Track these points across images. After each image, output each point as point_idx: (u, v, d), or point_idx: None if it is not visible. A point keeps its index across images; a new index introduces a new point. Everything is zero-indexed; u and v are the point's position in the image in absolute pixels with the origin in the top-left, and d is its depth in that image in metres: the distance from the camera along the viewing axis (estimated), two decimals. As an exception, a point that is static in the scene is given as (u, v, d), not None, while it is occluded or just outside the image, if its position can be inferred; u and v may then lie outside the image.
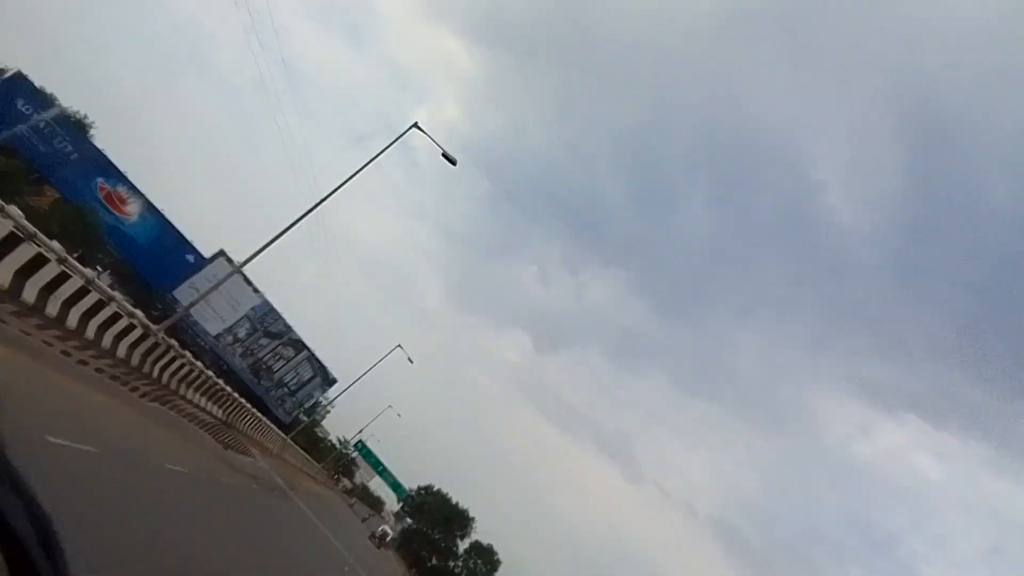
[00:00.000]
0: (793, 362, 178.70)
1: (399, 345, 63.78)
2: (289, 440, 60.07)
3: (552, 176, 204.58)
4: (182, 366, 24.30)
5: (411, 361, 64.86)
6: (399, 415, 65.39)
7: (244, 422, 41.90)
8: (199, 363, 27.42)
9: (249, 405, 44.63)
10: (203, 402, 30.73)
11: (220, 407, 33.75)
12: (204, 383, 28.79)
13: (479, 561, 65.26)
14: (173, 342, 22.10)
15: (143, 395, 19.17)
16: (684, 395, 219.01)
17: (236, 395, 37.11)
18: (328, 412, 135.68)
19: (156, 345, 20.27)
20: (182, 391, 25.53)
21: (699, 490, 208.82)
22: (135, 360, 19.35)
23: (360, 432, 72.26)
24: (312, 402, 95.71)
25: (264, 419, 52.44)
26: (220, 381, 31.53)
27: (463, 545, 67.28)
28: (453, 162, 22.80)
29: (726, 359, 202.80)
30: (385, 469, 79.39)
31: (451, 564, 66.84)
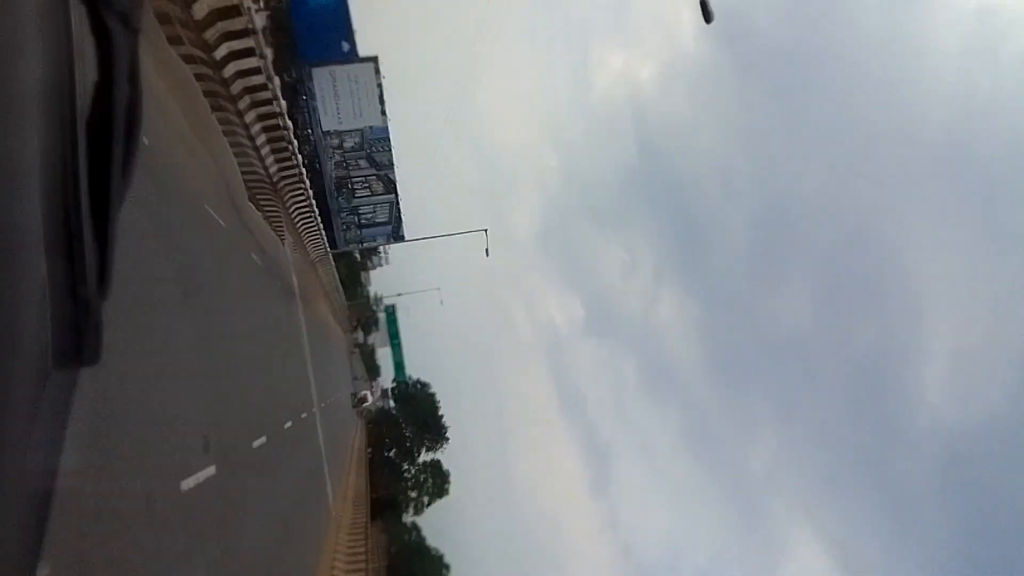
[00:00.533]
0: (798, 489, 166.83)
1: (486, 229, 57.51)
2: (331, 255, 55.78)
3: (696, 188, 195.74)
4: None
5: (487, 254, 58.80)
6: (441, 302, 60.41)
7: (294, 203, 37.47)
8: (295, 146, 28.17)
9: (312, 199, 40.41)
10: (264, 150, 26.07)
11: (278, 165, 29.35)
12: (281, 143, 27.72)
13: (431, 479, 60.77)
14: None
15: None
16: (685, 449, 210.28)
17: (304, 179, 34.08)
18: (381, 264, 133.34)
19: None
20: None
21: (644, 539, 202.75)
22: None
23: (398, 296, 67.89)
24: (373, 244, 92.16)
25: (319, 222, 47.77)
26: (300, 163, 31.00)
27: (424, 457, 62.80)
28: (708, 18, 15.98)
29: (742, 444, 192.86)
30: (399, 344, 75.28)
31: (405, 465, 62.60)
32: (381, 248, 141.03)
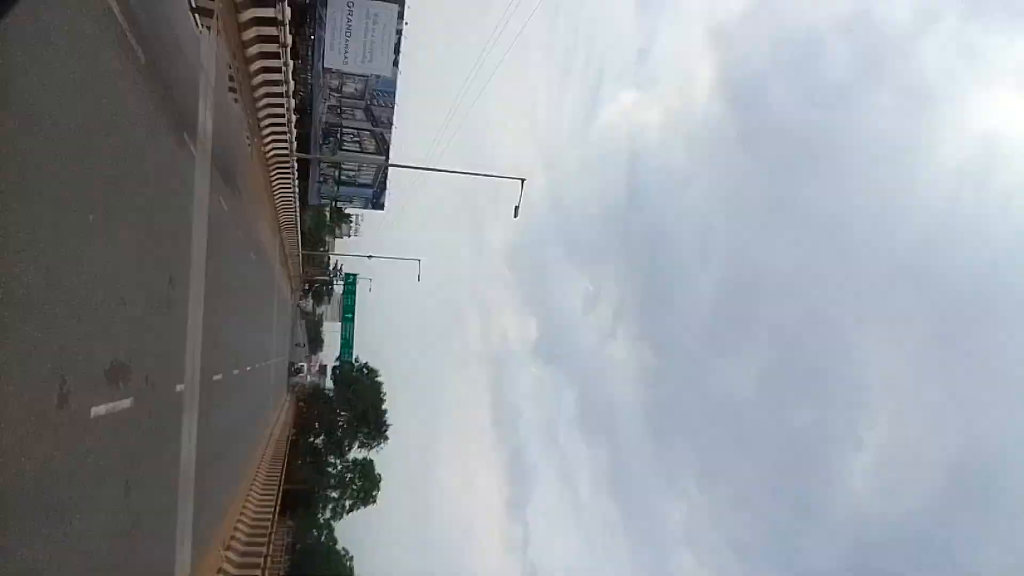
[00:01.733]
0: (711, 548, 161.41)
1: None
2: (298, 203, 47.26)
3: (673, 239, 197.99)
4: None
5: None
6: (419, 279, 51.91)
7: (273, 135, 30.61)
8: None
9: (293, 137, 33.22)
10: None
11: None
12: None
13: (358, 481, 52.06)
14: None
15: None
16: (607, 487, 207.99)
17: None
18: (350, 234, 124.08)
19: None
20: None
21: (551, 566, 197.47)
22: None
23: (368, 258, 59.39)
24: (348, 205, 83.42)
25: (294, 165, 39.61)
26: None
27: (355, 453, 54.03)
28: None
29: (664, 494, 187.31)
30: (352, 319, 66.51)
31: (331, 459, 53.78)
32: (354, 217, 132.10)
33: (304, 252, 62.82)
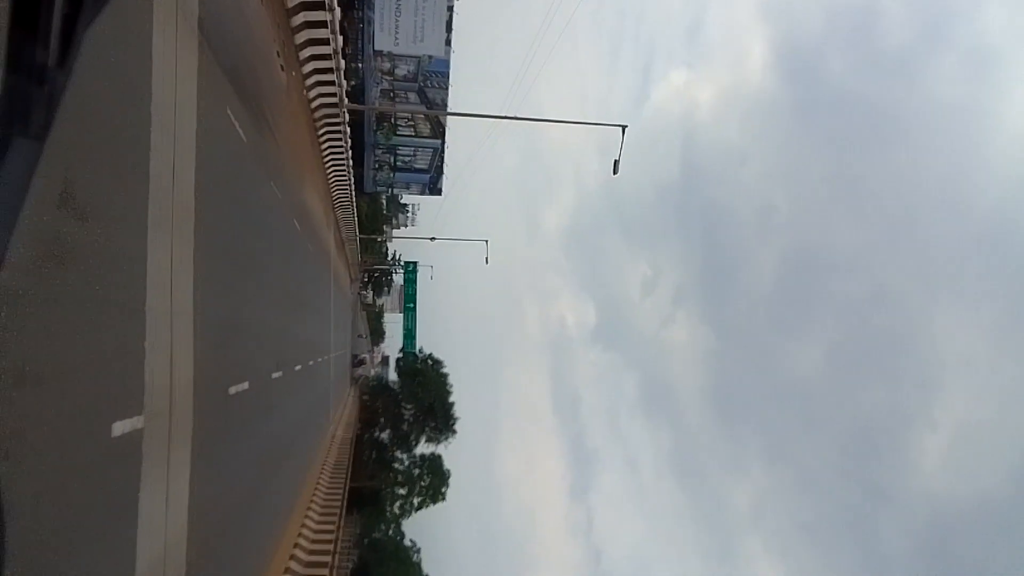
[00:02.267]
0: (778, 531, 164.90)
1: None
2: (354, 194, 45.04)
3: (732, 218, 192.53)
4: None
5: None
6: (487, 261, 48.73)
7: (327, 127, 29.22)
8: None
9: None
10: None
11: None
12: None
13: (427, 477, 49.95)
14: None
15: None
16: (671, 471, 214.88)
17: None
18: (406, 224, 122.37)
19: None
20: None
21: (615, 549, 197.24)
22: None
23: (431, 240, 57.06)
24: (405, 191, 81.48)
25: (349, 155, 37.28)
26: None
27: (422, 448, 51.96)
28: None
29: (729, 477, 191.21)
30: (413, 309, 64.38)
31: (398, 454, 51.74)
32: (410, 206, 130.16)
33: (362, 237, 60.92)
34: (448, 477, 49.90)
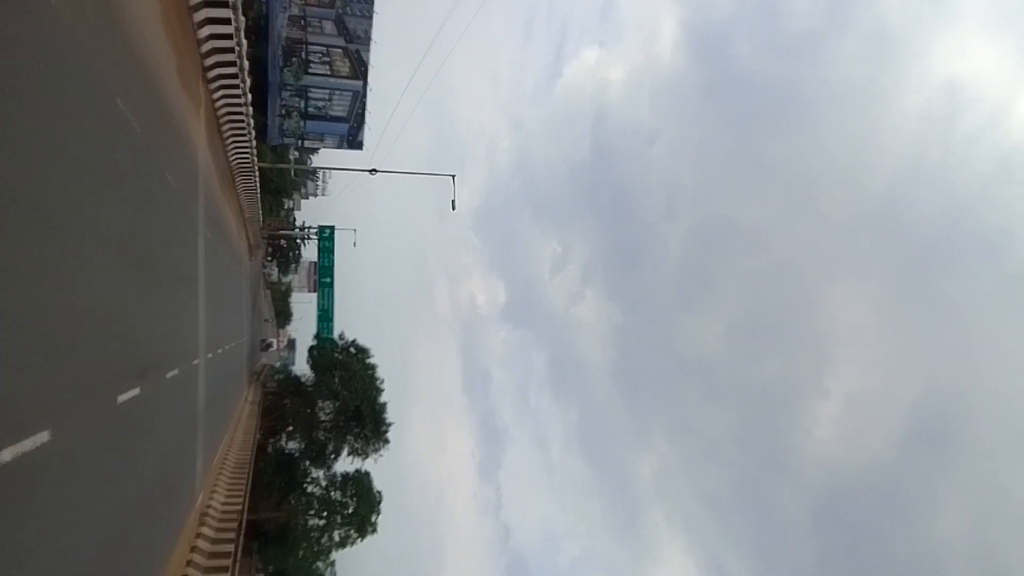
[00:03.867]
0: (680, 501, 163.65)
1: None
2: (254, 144, 32.57)
3: (640, 196, 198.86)
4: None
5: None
6: (454, 205, 36.50)
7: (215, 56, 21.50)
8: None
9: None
10: None
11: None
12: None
13: (351, 499, 37.88)
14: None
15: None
16: (578, 446, 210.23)
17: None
18: (315, 193, 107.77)
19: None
20: None
21: (525, 525, 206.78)
22: None
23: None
24: (317, 144, 68.22)
25: (246, 98, 25.58)
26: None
27: (342, 465, 39.99)
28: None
29: (634, 450, 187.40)
30: (331, 284, 52.16)
31: (311, 472, 39.60)
32: (320, 173, 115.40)
33: (267, 198, 48.15)
34: (379, 502, 38.36)
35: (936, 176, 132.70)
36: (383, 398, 40.56)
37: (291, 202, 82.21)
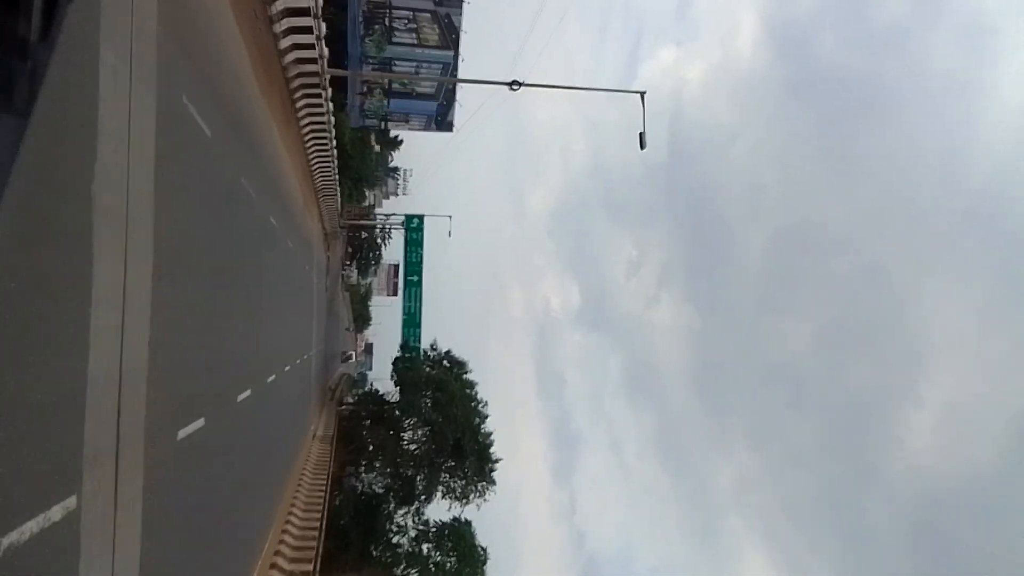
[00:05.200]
0: (762, 511, 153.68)
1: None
2: (332, 125, 25.60)
3: (719, 197, 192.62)
4: None
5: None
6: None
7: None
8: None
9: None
10: None
11: None
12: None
13: (449, 553, 29.21)
14: None
15: None
16: (655, 452, 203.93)
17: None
18: (396, 193, 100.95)
19: None
20: None
21: (599, 531, 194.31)
22: None
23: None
24: (402, 125, 60.78)
25: (323, 72, 16.69)
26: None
27: (438, 506, 31.43)
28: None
29: (713, 457, 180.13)
30: (418, 284, 44.10)
31: (397, 518, 31.33)
32: (402, 170, 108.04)
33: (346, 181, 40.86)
34: (483, 562, 29.60)
35: None
36: (488, 425, 32.11)
37: (373, 193, 75.23)
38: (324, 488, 21.81)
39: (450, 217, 46.12)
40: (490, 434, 31.95)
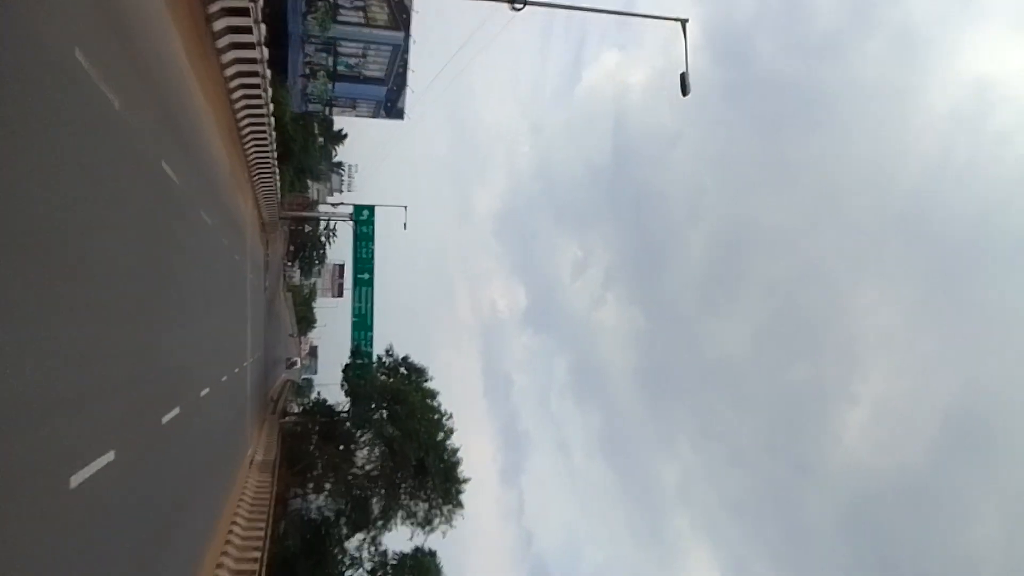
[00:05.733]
0: (705, 508, 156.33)
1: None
2: (269, 99, 21.64)
3: (661, 200, 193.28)
4: None
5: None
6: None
7: None
8: None
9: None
10: None
11: None
12: None
13: None
14: None
15: None
16: (601, 451, 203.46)
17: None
18: (340, 188, 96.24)
19: None
20: None
21: (547, 531, 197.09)
22: None
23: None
24: (347, 111, 56.67)
25: (263, 55, 11.97)
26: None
27: (396, 533, 27.47)
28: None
29: (657, 456, 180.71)
30: (370, 281, 40.14)
31: (349, 548, 27.23)
32: (346, 166, 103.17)
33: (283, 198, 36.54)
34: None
35: (965, 176, 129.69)
36: (453, 440, 28.38)
37: (316, 188, 70.37)
38: (263, 537, 17.87)
39: (405, 208, 42.32)
40: (457, 450, 28.39)
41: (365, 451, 29.31)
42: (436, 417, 28.72)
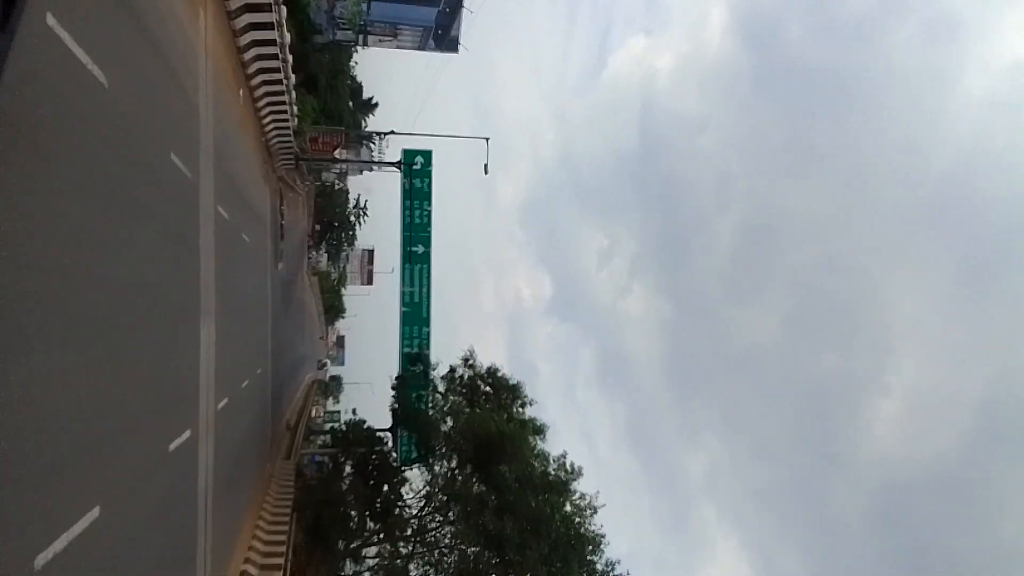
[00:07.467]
0: (733, 498, 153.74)
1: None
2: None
3: (689, 187, 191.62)
4: None
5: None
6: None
7: None
8: None
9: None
10: None
11: None
12: None
13: None
14: None
15: None
16: (626, 441, 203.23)
17: None
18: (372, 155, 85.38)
19: None
20: None
21: None
22: None
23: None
24: (387, 40, 45.33)
25: None
26: None
27: None
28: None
29: (684, 446, 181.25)
30: (427, 255, 28.64)
31: None
32: (375, 138, 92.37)
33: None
34: None
35: (1002, 162, 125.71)
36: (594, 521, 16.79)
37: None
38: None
39: (487, 140, 29.94)
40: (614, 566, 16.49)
41: (437, 525, 17.90)
42: (561, 489, 16.84)
